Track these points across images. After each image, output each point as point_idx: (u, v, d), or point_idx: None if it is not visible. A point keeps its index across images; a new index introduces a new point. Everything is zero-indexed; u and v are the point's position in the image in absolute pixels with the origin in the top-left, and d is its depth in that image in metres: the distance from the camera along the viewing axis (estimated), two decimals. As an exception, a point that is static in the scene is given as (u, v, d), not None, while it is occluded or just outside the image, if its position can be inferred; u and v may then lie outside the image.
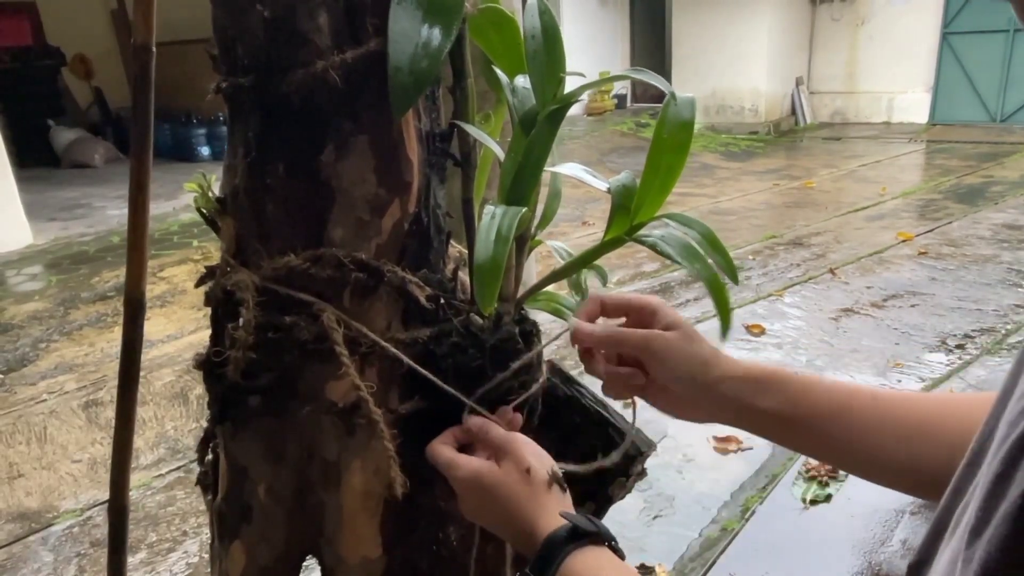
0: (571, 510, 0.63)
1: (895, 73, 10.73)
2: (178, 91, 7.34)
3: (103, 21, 9.36)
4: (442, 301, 0.73)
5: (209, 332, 0.72)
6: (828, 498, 2.61)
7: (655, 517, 2.58)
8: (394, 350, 0.65)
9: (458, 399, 0.69)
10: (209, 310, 0.71)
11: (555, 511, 0.62)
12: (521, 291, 0.82)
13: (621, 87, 11.68)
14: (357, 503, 0.72)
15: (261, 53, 0.62)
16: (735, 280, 0.71)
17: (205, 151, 8.49)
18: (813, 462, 2.79)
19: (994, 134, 9.74)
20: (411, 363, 0.66)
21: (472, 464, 0.65)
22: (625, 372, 0.73)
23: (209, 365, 0.68)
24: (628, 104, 11.84)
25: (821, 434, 0.67)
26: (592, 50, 10.70)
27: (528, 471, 0.63)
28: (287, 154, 0.64)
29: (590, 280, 0.88)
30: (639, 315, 0.74)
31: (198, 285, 0.69)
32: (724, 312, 0.75)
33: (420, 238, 0.70)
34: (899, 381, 3.45)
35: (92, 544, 2.55)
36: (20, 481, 2.91)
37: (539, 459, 0.65)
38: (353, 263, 0.64)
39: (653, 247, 0.73)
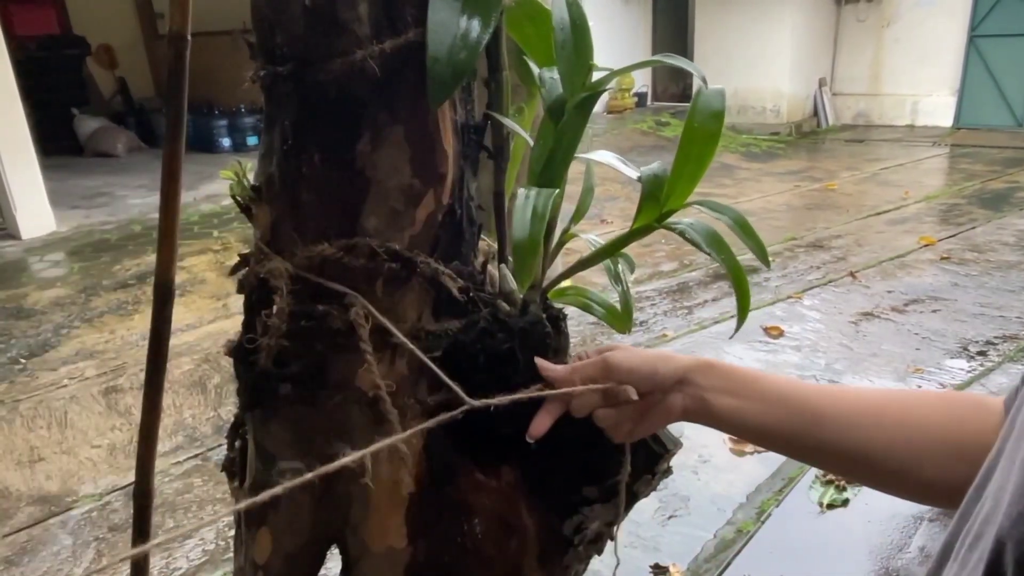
0: None
1: (920, 76, 10.60)
2: (199, 82, 7.38)
3: (128, 11, 9.44)
4: (471, 294, 0.73)
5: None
6: (845, 503, 2.59)
7: (670, 517, 2.57)
8: (411, 345, 0.65)
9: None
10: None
11: None
12: (546, 282, 0.82)
13: (642, 85, 11.62)
14: (383, 493, 0.72)
15: (300, 42, 0.62)
16: (767, 263, 0.71)
17: (226, 142, 8.53)
18: (830, 466, 2.77)
19: (1020, 139, 9.60)
20: (423, 356, 0.66)
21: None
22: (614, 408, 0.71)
23: (241, 352, 0.69)
24: (648, 103, 11.78)
25: (776, 420, 0.67)
26: (613, 48, 10.65)
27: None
28: (323, 143, 0.64)
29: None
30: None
31: (232, 272, 0.69)
32: (743, 303, 0.75)
33: (453, 230, 0.70)
34: (919, 387, 3.42)
35: (110, 529, 2.58)
36: (41, 465, 2.95)
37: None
38: (386, 253, 0.64)
39: (682, 234, 0.73)
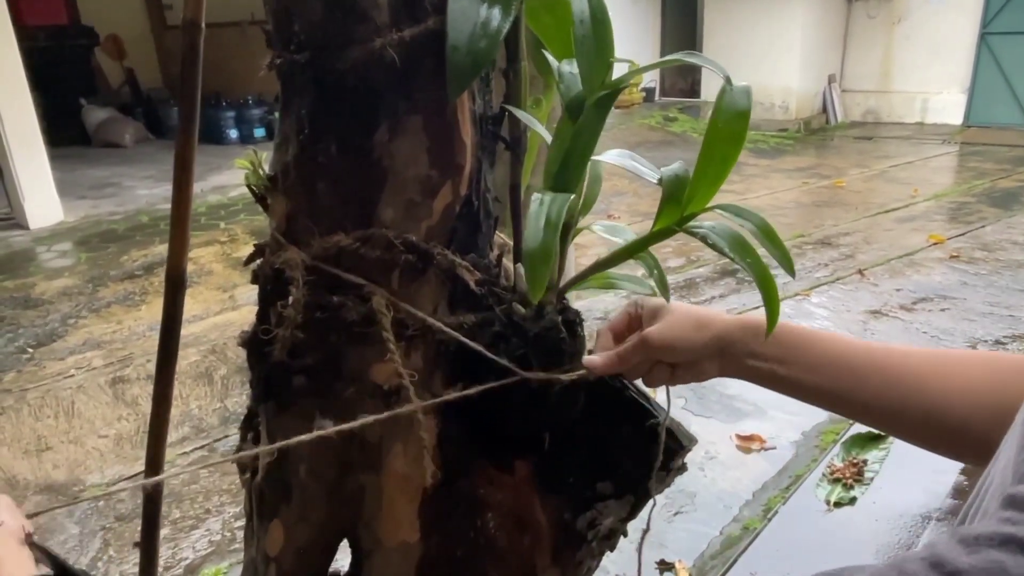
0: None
1: (930, 73, 10.54)
2: (207, 74, 7.34)
3: (136, 2, 9.46)
4: (486, 288, 0.72)
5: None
6: (852, 501, 2.58)
7: (676, 513, 2.57)
8: (451, 331, 0.64)
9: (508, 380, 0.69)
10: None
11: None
12: (563, 281, 0.81)
13: (649, 81, 11.58)
14: (397, 487, 0.71)
15: (318, 29, 0.61)
16: (792, 273, 0.70)
17: (233, 134, 8.54)
18: (838, 464, 2.76)
19: (1030, 138, 9.54)
20: (465, 340, 0.66)
21: None
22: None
23: (255, 343, 0.68)
24: (656, 98, 11.74)
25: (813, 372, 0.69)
26: (623, 44, 10.56)
27: None
28: (340, 132, 0.63)
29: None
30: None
31: (247, 263, 0.69)
32: (773, 308, 0.73)
33: (470, 222, 0.69)
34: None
35: (117, 518, 2.58)
36: (48, 454, 2.95)
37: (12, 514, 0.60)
38: (403, 244, 0.64)
39: (704, 239, 0.71)
